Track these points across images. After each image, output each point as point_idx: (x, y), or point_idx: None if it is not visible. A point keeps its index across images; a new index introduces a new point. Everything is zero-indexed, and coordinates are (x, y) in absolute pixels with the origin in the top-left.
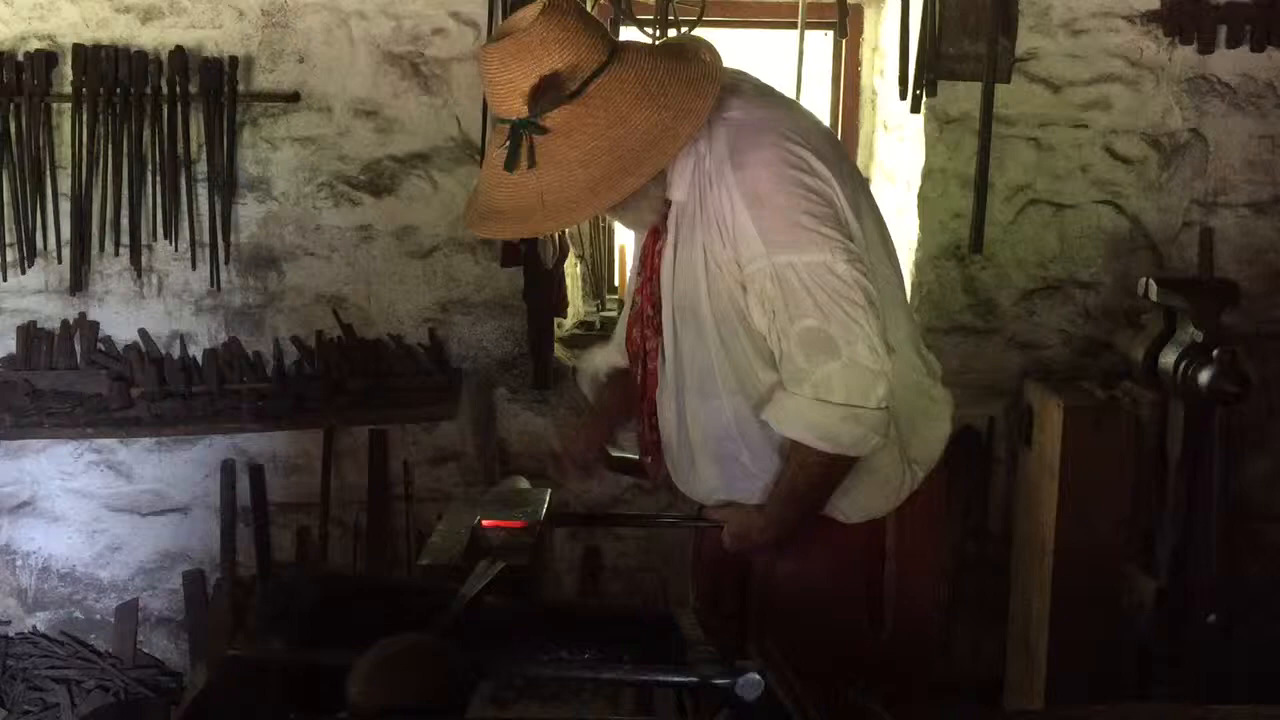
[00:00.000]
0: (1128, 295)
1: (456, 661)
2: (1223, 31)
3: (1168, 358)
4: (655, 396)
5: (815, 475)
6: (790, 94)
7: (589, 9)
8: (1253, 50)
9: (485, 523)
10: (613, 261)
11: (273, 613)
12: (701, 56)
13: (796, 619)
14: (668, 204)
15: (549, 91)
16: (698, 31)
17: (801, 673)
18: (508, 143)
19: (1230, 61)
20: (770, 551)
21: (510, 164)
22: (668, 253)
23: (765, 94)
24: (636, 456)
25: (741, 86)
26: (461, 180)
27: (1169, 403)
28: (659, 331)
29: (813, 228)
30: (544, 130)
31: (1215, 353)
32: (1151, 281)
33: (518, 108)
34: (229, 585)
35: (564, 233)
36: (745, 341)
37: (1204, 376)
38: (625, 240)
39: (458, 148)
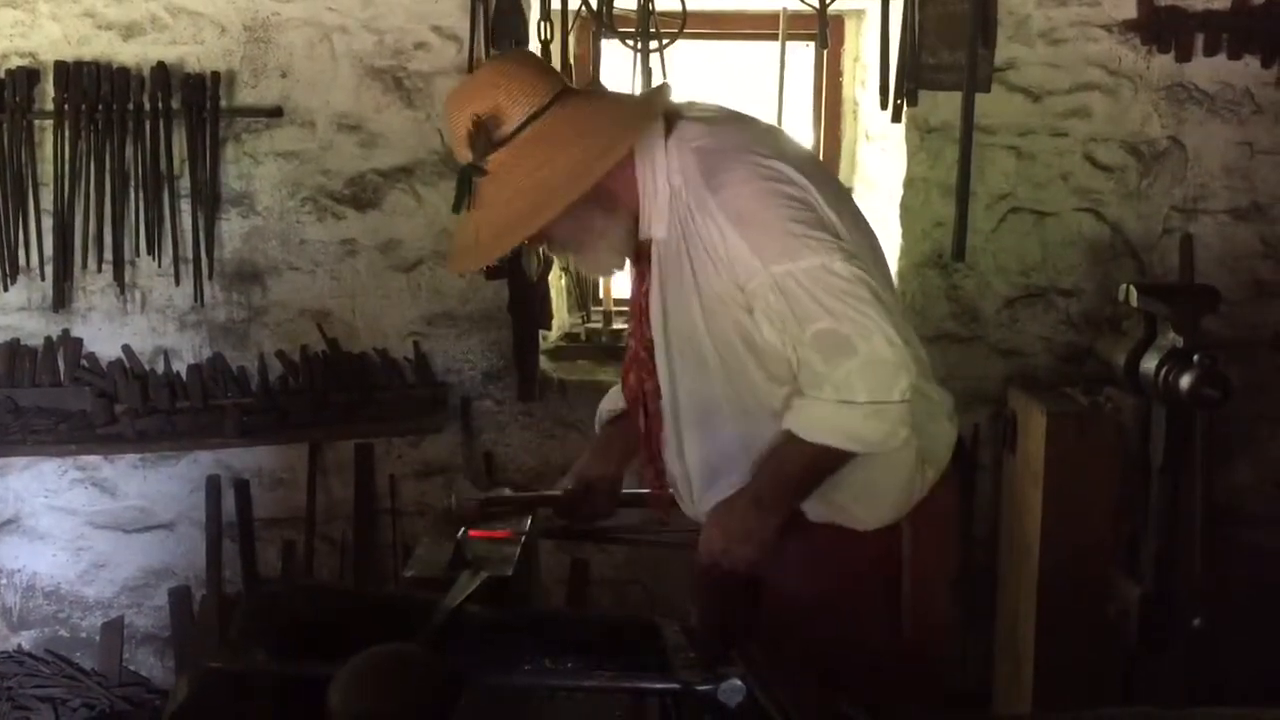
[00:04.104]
0: (1109, 302)
1: (439, 671)
2: (1200, 39)
3: (1149, 363)
4: (661, 435)
5: (812, 466)
6: (772, 105)
7: (572, 21)
8: (1229, 58)
9: (472, 533)
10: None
11: (255, 625)
12: (649, 96)
13: (816, 638)
14: (647, 243)
15: (481, 136)
16: (679, 44)
17: (820, 687)
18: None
19: (1208, 69)
20: (779, 567)
21: (456, 206)
22: (655, 292)
23: (735, 120)
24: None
25: (707, 116)
26: (444, 194)
27: (1151, 408)
28: (654, 373)
29: (802, 234)
30: (484, 173)
31: (1196, 358)
32: (1132, 288)
33: (463, 152)
34: (215, 601)
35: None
36: (753, 367)
37: (1185, 382)
38: None
39: (441, 161)
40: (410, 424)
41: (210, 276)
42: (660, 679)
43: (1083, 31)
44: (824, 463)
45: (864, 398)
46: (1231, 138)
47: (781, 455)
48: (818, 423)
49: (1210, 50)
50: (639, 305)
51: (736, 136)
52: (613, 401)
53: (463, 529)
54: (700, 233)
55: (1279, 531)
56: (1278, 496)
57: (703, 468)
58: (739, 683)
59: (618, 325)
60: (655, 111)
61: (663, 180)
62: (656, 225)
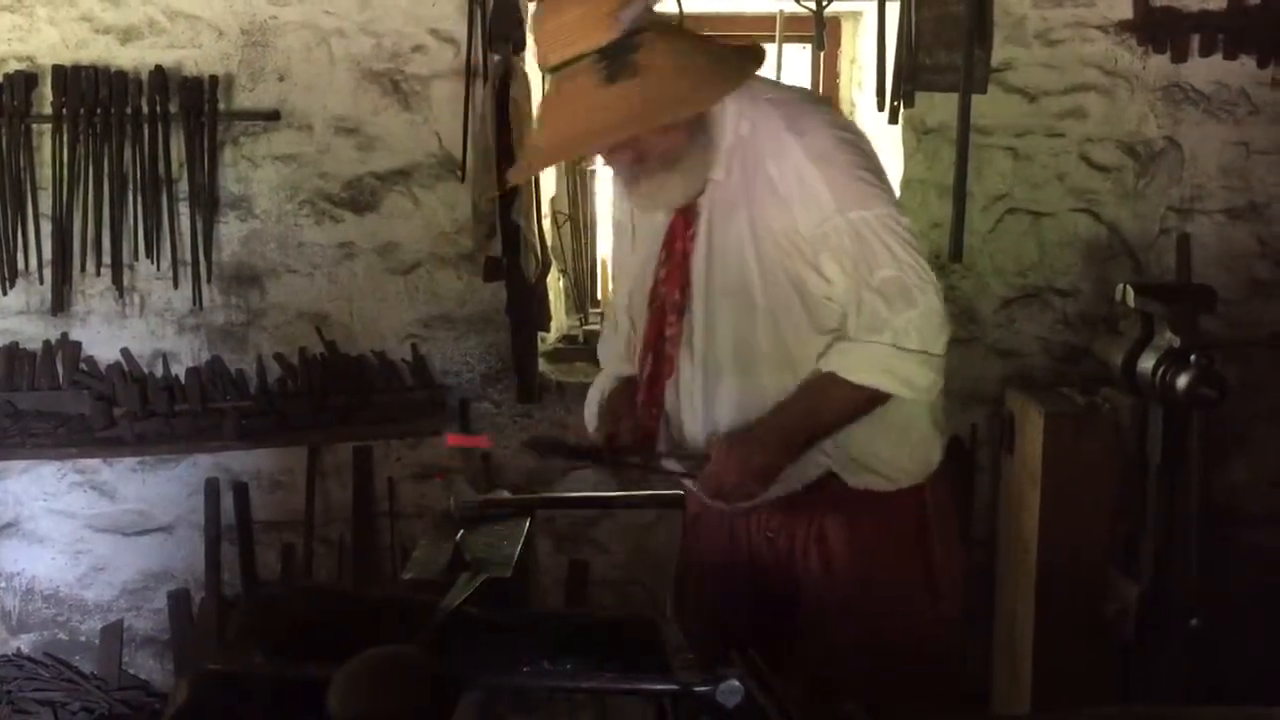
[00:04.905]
0: (1106, 302)
1: (437, 672)
2: (1196, 40)
3: (1146, 363)
4: (666, 383)
5: (847, 409)
6: None
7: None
8: (1225, 58)
9: (450, 438)
10: (594, 275)
11: (253, 627)
12: (743, 47)
13: (857, 611)
14: (703, 185)
15: (634, 3)
16: None
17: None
18: (603, 63)
19: (1204, 69)
20: (822, 547)
21: (616, 75)
22: (702, 233)
23: (789, 86)
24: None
25: (764, 78)
26: (442, 197)
27: (1148, 408)
28: (683, 315)
29: (874, 183)
30: (635, 48)
31: (1193, 358)
32: (1129, 288)
33: (599, 35)
34: (214, 604)
35: (545, 246)
36: (798, 311)
37: (1182, 381)
38: (607, 254)
39: (438, 164)
40: (408, 426)
41: (209, 280)
42: (658, 680)
43: (1079, 32)
44: (860, 407)
45: (916, 346)
46: (1228, 138)
47: (818, 395)
48: (872, 365)
49: (1206, 51)
50: (680, 247)
51: (801, 95)
52: (599, 390)
53: (460, 528)
54: (771, 175)
55: (1276, 531)
56: (1274, 496)
57: (736, 416)
58: (737, 684)
59: None
60: (761, 57)
61: (730, 128)
62: (717, 169)
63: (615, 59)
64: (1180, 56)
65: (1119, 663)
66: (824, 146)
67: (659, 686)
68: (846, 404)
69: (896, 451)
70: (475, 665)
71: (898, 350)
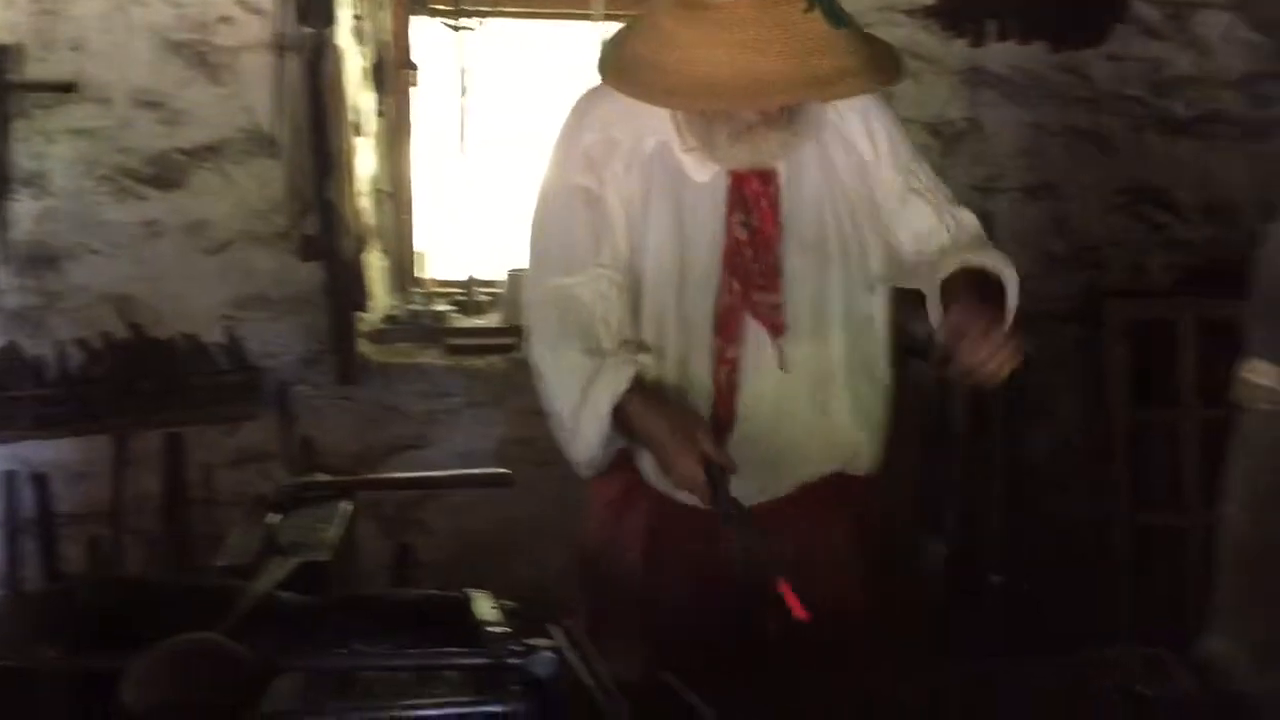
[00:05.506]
0: None
1: (240, 658)
2: (993, 26)
3: None
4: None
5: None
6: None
7: None
8: (1020, 43)
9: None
10: (413, 254)
11: (48, 620)
12: None
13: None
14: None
15: None
16: (492, 21)
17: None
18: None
19: (1001, 54)
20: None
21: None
22: (785, 189)
23: None
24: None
25: None
26: (255, 173)
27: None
28: (778, 276)
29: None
30: None
31: None
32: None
33: None
34: (15, 601)
35: (363, 224)
36: (856, 264)
37: None
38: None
39: (249, 140)
40: (223, 411)
41: (3, 261)
42: (471, 654)
43: (885, 16)
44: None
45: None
46: (1024, 119)
47: (983, 288)
48: (1008, 263)
49: (1003, 36)
50: (762, 208)
51: None
52: (610, 394)
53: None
54: (844, 132)
55: (1074, 494)
56: (1073, 460)
57: (799, 386)
58: (551, 654)
59: (439, 307)
60: None
61: None
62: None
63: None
64: (979, 41)
65: (935, 620)
66: (875, 99)
67: (471, 660)
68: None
69: (876, 434)
70: (283, 650)
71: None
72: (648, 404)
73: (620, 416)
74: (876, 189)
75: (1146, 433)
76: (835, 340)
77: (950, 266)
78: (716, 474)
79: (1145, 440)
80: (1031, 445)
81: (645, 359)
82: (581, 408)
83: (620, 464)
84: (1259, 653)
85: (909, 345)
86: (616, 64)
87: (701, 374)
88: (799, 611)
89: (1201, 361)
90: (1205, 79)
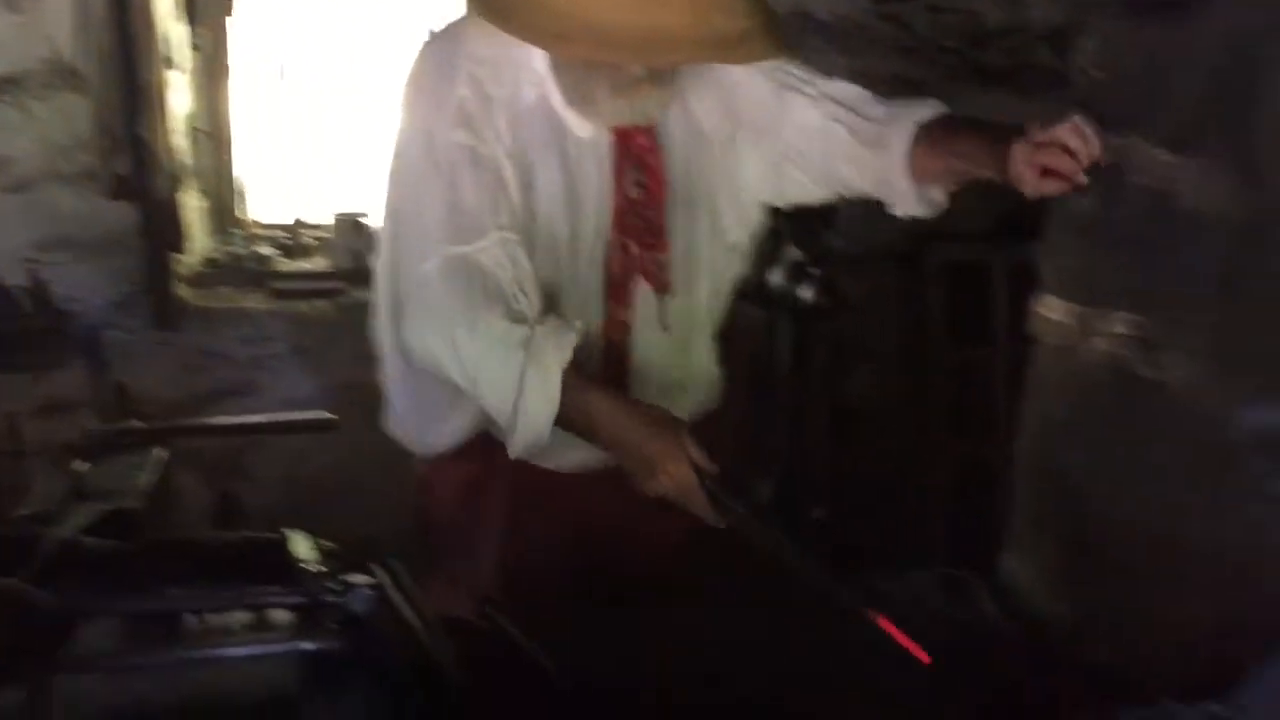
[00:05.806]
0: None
1: (39, 605)
2: None
3: (775, 277)
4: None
5: None
6: None
7: None
8: None
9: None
10: (233, 195)
11: None
12: None
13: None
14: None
15: None
16: None
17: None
18: None
19: (827, 1)
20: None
21: None
22: (665, 145)
23: None
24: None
25: None
26: (58, 107)
27: (777, 319)
28: (652, 246)
29: None
30: None
31: (815, 272)
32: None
33: None
34: None
35: (176, 162)
36: (717, 213)
37: (804, 292)
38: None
39: (52, 72)
40: (29, 358)
41: None
42: (288, 594)
43: None
44: None
45: None
46: (849, 67)
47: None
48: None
49: None
50: (651, 165)
51: None
52: (559, 362)
53: (84, 463)
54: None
55: (895, 430)
56: (891, 397)
57: (685, 333)
58: (369, 592)
59: (263, 250)
60: None
61: None
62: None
63: None
64: None
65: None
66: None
67: (288, 600)
68: None
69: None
70: (91, 596)
71: None
72: (616, 404)
73: (576, 406)
74: (735, 120)
75: (964, 370)
76: (703, 293)
77: (908, 127)
78: (706, 480)
79: (962, 376)
80: (854, 381)
81: (580, 325)
82: (524, 381)
83: (477, 446)
84: (1050, 577)
85: (739, 289)
86: None
87: (593, 337)
88: (920, 655)
89: (1012, 302)
90: (1019, 31)
